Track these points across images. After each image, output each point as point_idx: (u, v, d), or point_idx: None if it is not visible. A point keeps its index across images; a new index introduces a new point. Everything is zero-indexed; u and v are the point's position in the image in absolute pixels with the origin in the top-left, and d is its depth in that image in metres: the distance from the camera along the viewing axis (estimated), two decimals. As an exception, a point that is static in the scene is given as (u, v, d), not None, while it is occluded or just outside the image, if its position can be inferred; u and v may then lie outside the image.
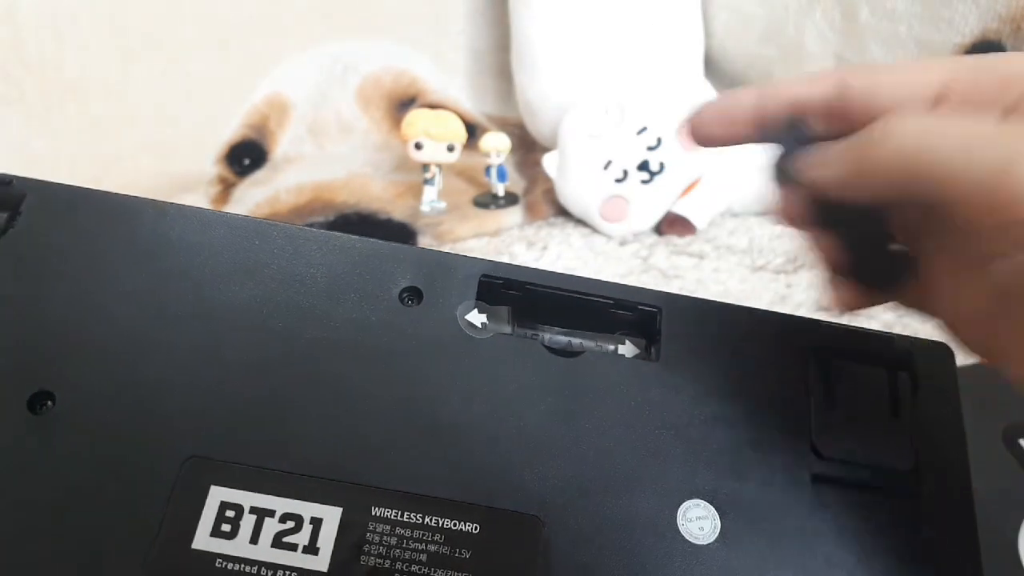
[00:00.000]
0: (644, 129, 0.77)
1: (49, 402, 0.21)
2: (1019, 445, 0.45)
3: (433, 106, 0.91)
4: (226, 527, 0.20)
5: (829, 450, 0.25)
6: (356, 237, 0.25)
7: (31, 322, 0.22)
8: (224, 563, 0.20)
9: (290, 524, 0.20)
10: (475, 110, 1.09)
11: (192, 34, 0.94)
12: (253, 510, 0.20)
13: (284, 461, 0.21)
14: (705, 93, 0.78)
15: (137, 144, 0.93)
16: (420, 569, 0.20)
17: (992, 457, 0.45)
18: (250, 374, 0.22)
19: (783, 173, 0.23)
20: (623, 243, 0.81)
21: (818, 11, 0.82)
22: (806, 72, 0.25)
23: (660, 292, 0.26)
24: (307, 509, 0.20)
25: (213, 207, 0.88)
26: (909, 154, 0.20)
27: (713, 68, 0.96)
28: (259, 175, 0.94)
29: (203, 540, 0.20)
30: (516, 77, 0.97)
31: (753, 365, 0.26)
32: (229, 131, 0.97)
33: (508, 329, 0.24)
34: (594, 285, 0.25)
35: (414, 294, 0.24)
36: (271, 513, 0.20)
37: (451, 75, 1.08)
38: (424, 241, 0.81)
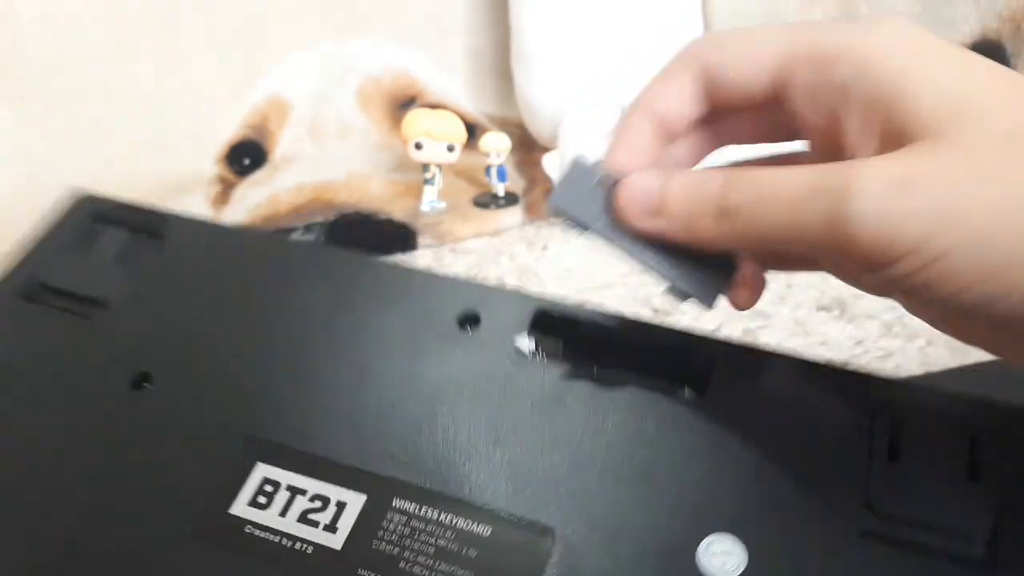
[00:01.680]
0: (644, 129, 0.77)
1: (147, 384, 0.26)
2: (1019, 445, 0.45)
3: (433, 106, 0.91)
4: (262, 499, 0.23)
5: (885, 506, 0.23)
6: (426, 272, 0.28)
7: (145, 319, 0.27)
8: (252, 529, 0.23)
9: (317, 504, 0.23)
10: (475, 110, 1.09)
11: (192, 34, 0.93)
12: (289, 487, 0.23)
13: (328, 449, 0.23)
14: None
15: (137, 144, 0.93)
16: (425, 560, 0.22)
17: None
18: (314, 375, 0.25)
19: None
20: (623, 243, 0.81)
21: (818, 11, 0.82)
22: (667, 64, 0.24)
23: (717, 341, 0.27)
24: (336, 493, 0.23)
25: (213, 207, 0.88)
26: (745, 230, 0.20)
27: (713, 68, 0.96)
28: (259, 175, 0.94)
29: (239, 507, 0.23)
30: (516, 77, 0.97)
31: (810, 415, 0.25)
32: (229, 131, 0.97)
33: (559, 359, 0.26)
34: (646, 329, 0.26)
35: (473, 320, 0.26)
36: (303, 492, 0.23)
37: (451, 75, 1.08)
38: (424, 241, 0.81)
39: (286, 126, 1.01)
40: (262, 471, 0.24)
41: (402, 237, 0.81)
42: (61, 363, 0.27)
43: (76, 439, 0.26)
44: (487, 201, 0.88)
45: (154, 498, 0.24)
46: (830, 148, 0.21)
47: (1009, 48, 0.64)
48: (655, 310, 0.68)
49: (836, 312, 0.67)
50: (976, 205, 0.17)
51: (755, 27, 0.23)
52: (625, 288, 0.72)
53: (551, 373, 0.25)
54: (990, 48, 0.66)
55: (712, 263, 0.25)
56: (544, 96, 0.93)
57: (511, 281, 0.73)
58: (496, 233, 0.84)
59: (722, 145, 0.25)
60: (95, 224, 0.30)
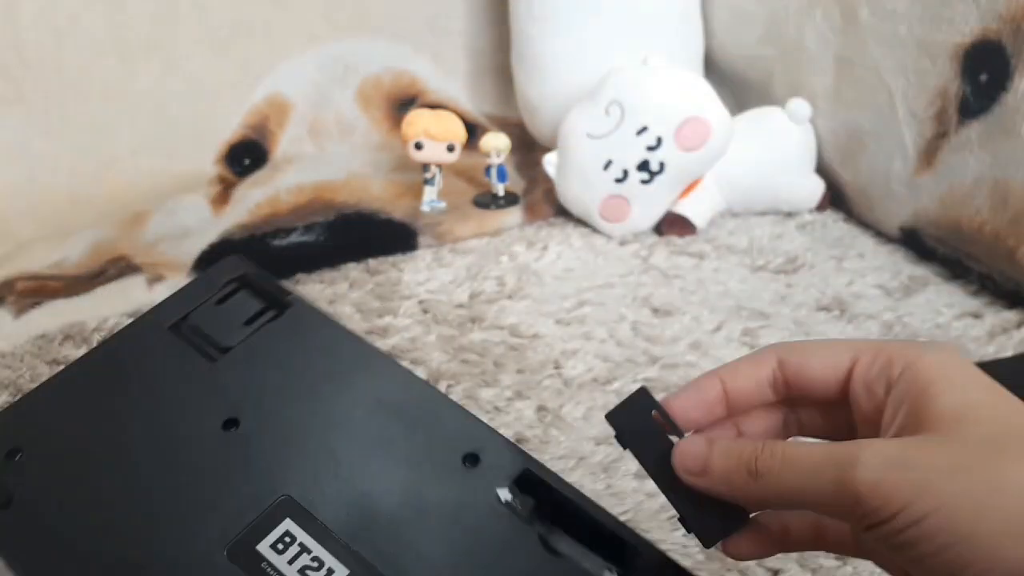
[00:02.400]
0: (644, 129, 0.77)
1: (235, 428, 0.32)
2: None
3: (433, 106, 0.91)
4: (280, 546, 0.30)
5: None
6: (456, 406, 0.33)
7: (250, 375, 0.34)
8: (267, 567, 0.29)
9: (315, 564, 0.29)
10: (475, 110, 1.09)
11: (192, 34, 0.94)
12: (300, 544, 0.30)
13: (336, 524, 0.30)
14: (703, 92, 0.78)
15: (137, 144, 0.93)
16: None
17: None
18: (344, 464, 0.32)
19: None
20: (623, 243, 0.81)
21: (818, 11, 0.82)
22: (750, 354, 0.30)
23: (653, 547, 0.30)
24: (330, 560, 0.29)
25: (213, 207, 0.88)
26: (770, 488, 0.25)
27: (713, 68, 0.96)
28: (259, 175, 0.94)
29: (264, 547, 0.30)
30: (516, 77, 0.97)
31: None
32: (229, 131, 0.97)
33: (525, 514, 0.31)
34: (603, 515, 0.31)
35: (474, 460, 0.31)
36: (309, 551, 0.30)
37: (451, 75, 1.08)
38: (424, 241, 0.81)
39: (286, 126, 1.01)
40: (286, 525, 0.30)
41: (402, 237, 0.81)
42: (182, 390, 0.34)
43: (165, 452, 0.32)
44: (487, 201, 0.88)
45: (207, 518, 0.30)
46: (866, 431, 0.28)
47: (1009, 48, 0.65)
48: (655, 310, 0.68)
49: (836, 312, 0.67)
50: (948, 486, 0.22)
51: (831, 340, 0.32)
52: (625, 288, 0.72)
53: (514, 523, 0.30)
54: (990, 48, 0.66)
55: (726, 512, 0.28)
56: (544, 96, 0.93)
57: (511, 281, 0.73)
58: (496, 233, 0.84)
59: (790, 435, 0.31)
60: (237, 284, 0.37)
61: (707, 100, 0.78)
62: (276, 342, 0.34)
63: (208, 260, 0.75)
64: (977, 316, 0.66)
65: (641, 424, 0.30)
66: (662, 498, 0.47)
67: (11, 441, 0.32)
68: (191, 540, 0.30)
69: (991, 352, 0.61)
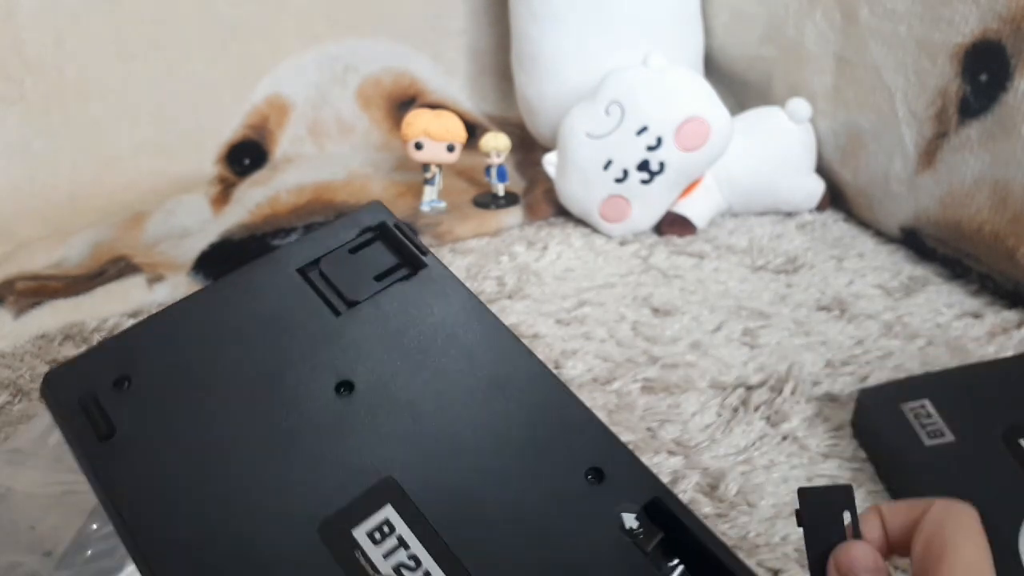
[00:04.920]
0: (644, 129, 0.77)
1: (348, 392, 0.30)
2: (1019, 445, 0.45)
3: (433, 106, 0.91)
4: (377, 535, 0.27)
5: None
6: (589, 414, 0.30)
7: (372, 337, 0.31)
8: (359, 556, 0.27)
9: (412, 563, 0.27)
10: (475, 110, 1.09)
11: (192, 34, 0.94)
12: (399, 537, 0.27)
13: (440, 524, 0.27)
14: (703, 92, 0.78)
15: (137, 144, 0.93)
16: None
17: (992, 457, 0.45)
18: (462, 458, 0.29)
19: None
20: (623, 243, 0.81)
21: (818, 11, 0.82)
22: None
23: None
24: (427, 560, 0.27)
25: (213, 207, 0.88)
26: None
27: (713, 68, 0.96)
28: (259, 175, 0.94)
29: (360, 533, 0.27)
30: (516, 77, 0.97)
31: None
32: (229, 131, 0.97)
33: (649, 548, 0.28)
34: (738, 566, 0.27)
35: (599, 476, 0.28)
36: (407, 546, 0.27)
37: (451, 75, 1.08)
38: (424, 241, 0.81)
39: (286, 126, 1.01)
40: (387, 512, 0.28)
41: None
42: (300, 340, 0.31)
43: (274, 405, 0.30)
44: (487, 201, 0.88)
45: (305, 486, 0.28)
46: None
47: (1009, 48, 0.65)
48: (655, 310, 0.68)
49: (836, 312, 0.67)
50: None
51: (914, 500, 0.30)
52: (625, 288, 0.72)
53: (634, 556, 0.27)
54: (990, 48, 0.66)
55: None
56: (544, 96, 0.93)
57: (511, 281, 0.73)
58: (496, 233, 0.84)
59: None
60: (375, 233, 0.34)
61: (707, 100, 0.78)
62: (405, 304, 0.32)
63: (208, 260, 0.75)
64: (977, 316, 0.66)
65: (828, 514, 0.29)
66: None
67: (121, 368, 0.30)
68: (286, 506, 0.28)
69: (991, 352, 0.61)
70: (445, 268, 0.33)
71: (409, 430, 0.29)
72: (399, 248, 0.33)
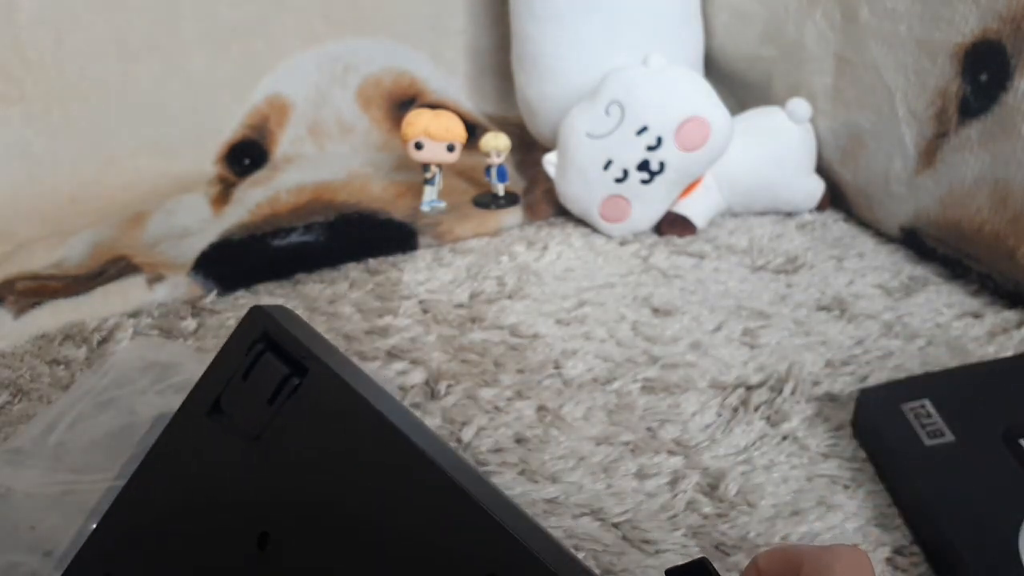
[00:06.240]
0: (644, 129, 0.77)
1: (267, 545, 0.30)
2: (1019, 445, 0.46)
3: (433, 106, 0.91)
4: None
5: None
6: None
7: (267, 472, 0.31)
8: None
9: None
10: (475, 110, 1.09)
11: (192, 34, 0.94)
12: None
13: None
14: (703, 92, 0.78)
15: (137, 144, 0.93)
16: None
17: (992, 457, 0.45)
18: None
19: None
20: (623, 243, 0.81)
21: (818, 11, 0.82)
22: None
23: None
24: None
25: (213, 207, 0.88)
26: None
27: (713, 68, 0.96)
28: (259, 175, 0.94)
29: None
30: (516, 77, 0.97)
31: None
32: (229, 131, 0.97)
33: None
34: None
35: None
36: None
37: (451, 75, 1.08)
38: (424, 241, 0.81)
39: (286, 126, 1.01)
40: None
41: (402, 237, 0.81)
42: (221, 494, 0.31)
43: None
44: (487, 201, 0.88)
45: None
46: None
47: (1009, 48, 0.65)
48: (655, 310, 0.68)
49: (836, 312, 0.67)
50: None
51: (792, 548, 0.28)
52: (625, 288, 0.72)
53: None
54: (990, 48, 0.66)
55: None
56: (544, 96, 0.93)
57: (511, 281, 0.73)
58: (496, 233, 0.84)
59: None
60: (264, 345, 0.32)
61: (707, 100, 0.78)
62: (298, 427, 0.31)
63: (208, 260, 0.75)
64: (977, 316, 0.66)
65: None
66: (662, 498, 0.47)
67: (103, 569, 0.32)
68: None
69: (991, 352, 0.61)
70: (328, 368, 0.32)
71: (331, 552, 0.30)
72: (287, 354, 0.32)
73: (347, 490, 0.30)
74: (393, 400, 0.31)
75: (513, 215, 0.86)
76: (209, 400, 0.32)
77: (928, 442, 0.47)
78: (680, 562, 0.29)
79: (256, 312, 0.32)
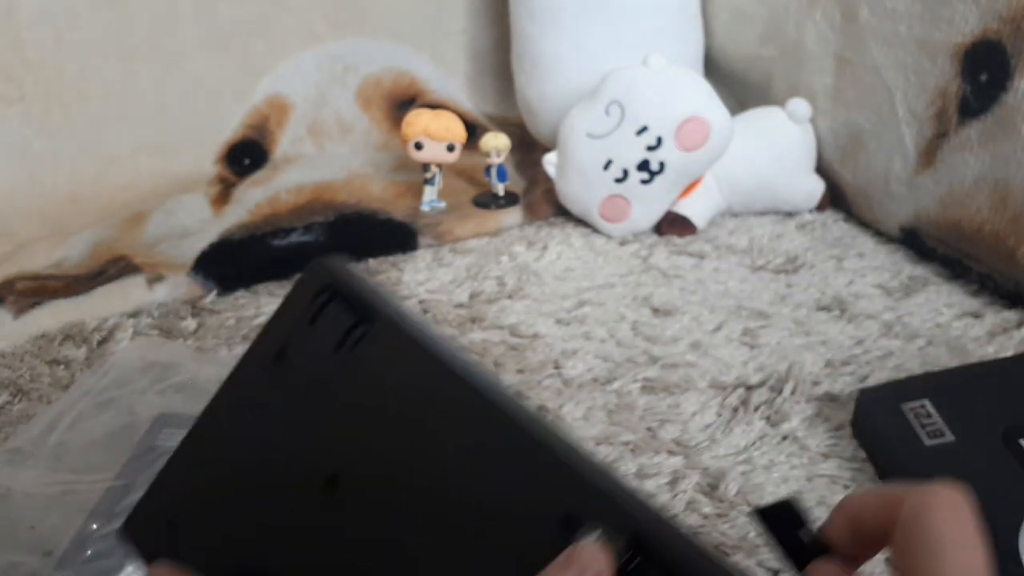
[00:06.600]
0: (644, 129, 0.77)
1: (337, 488, 0.30)
2: (1019, 445, 0.46)
3: (433, 106, 0.91)
4: None
5: None
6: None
7: (334, 417, 0.31)
8: None
9: None
10: (475, 110, 1.09)
11: (192, 34, 0.94)
12: None
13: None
14: (703, 92, 0.78)
15: (137, 144, 0.93)
16: None
17: (992, 457, 0.45)
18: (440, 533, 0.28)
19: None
20: (623, 243, 0.81)
21: (818, 11, 0.82)
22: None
23: None
24: None
25: (213, 207, 0.88)
26: None
27: (713, 68, 0.96)
28: (259, 175, 0.94)
29: None
30: (516, 77, 0.97)
31: None
32: (229, 131, 0.97)
33: None
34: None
35: (572, 524, 0.26)
36: None
37: (451, 75, 1.08)
38: (424, 241, 0.81)
39: (286, 126, 1.01)
40: None
41: (402, 237, 0.81)
42: (288, 441, 0.31)
43: (279, 522, 0.30)
44: (487, 201, 0.88)
45: None
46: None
47: (1009, 48, 0.65)
48: (655, 310, 0.68)
49: (836, 312, 0.67)
50: None
51: (888, 489, 0.26)
52: (625, 288, 0.72)
53: None
54: (990, 48, 0.66)
55: None
56: (544, 96, 0.93)
57: (511, 281, 0.73)
58: (496, 233, 0.84)
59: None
60: (330, 295, 0.33)
61: (707, 100, 0.78)
62: (366, 373, 0.31)
63: (208, 260, 0.75)
64: (977, 316, 0.66)
65: (788, 533, 0.28)
66: (662, 498, 0.47)
67: (168, 513, 0.32)
68: None
69: (991, 352, 0.61)
70: (395, 315, 0.32)
71: (393, 518, 0.29)
72: (353, 303, 0.32)
73: (416, 435, 0.30)
74: (457, 349, 0.31)
75: (513, 215, 0.86)
76: (274, 348, 0.32)
77: (928, 442, 0.47)
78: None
79: (319, 263, 0.33)
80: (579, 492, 0.26)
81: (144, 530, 0.32)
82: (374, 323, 0.31)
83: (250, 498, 0.31)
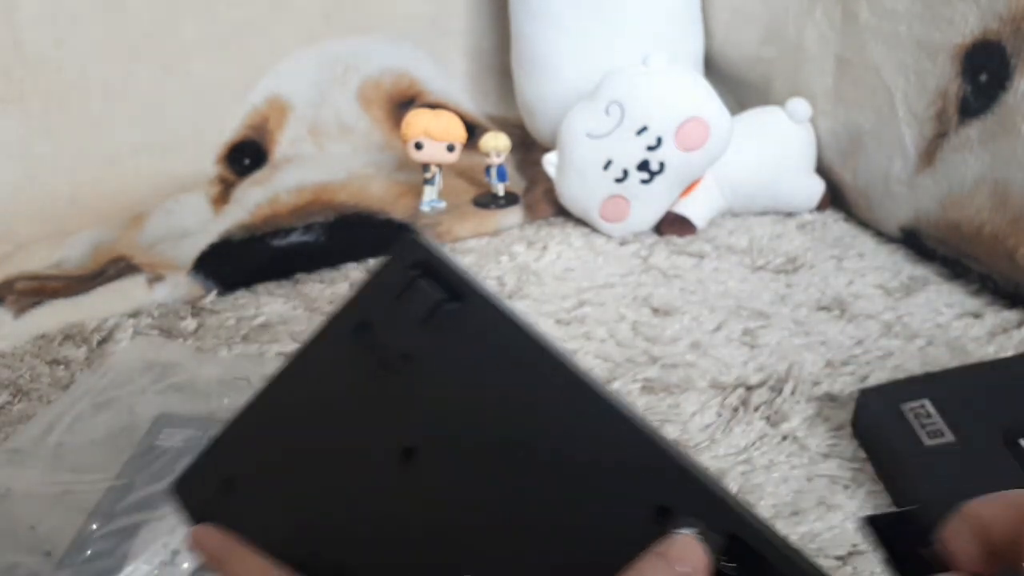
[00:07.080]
0: (644, 129, 0.77)
1: (409, 457, 0.29)
2: (1019, 445, 0.45)
3: (433, 106, 0.91)
4: None
5: None
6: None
7: (416, 390, 0.30)
8: None
9: None
10: (475, 110, 1.09)
11: (192, 34, 0.94)
12: None
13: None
14: (703, 92, 0.78)
15: (137, 144, 0.93)
16: None
17: (992, 457, 0.45)
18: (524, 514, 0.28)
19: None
20: (623, 243, 0.81)
21: (818, 11, 0.82)
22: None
23: None
24: None
25: (213, 207, 0.88)
26: None
27: (713, 68, 0.96)
28: (259, 175, 0.94)
29: None
30: (516, 77, 0.97)
31: None
32: (229, 131, 0.97)
33: None
34: None
35: (666, 516, 0.25)
36: None
37: (451, 75, 1.08)
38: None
39: (286, 126, 1.01)
40: None
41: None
42: (365, 410, 0.31)
43: (350, 488, 0.30)
44: (487, 201, 0.88)
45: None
46: None
47: (1009, 48, 0.65)
48: (655, 310, 0.68)
49: (836, 312, 0.67)
50: None
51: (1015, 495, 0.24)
52: (625, 288, 0.72)
53: None
54: (990, 48, 0.66)
55: None
56: (544, 96, 0.93)
57: (511, 281, 0.73)
58: (496, 233, 0.84)
59: None
60: (420, 272, 0.33)
61: (707, 100, 0.78)
62: (453, 350, 0.31)
63: (208, 260, 0.75)
64: (977, 316, 0.66)
65: (907, 543, 0.26)
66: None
67: (225, 473, 0.32)
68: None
69: (991, 352, 0.61)
70: (486, 295, 0.32)
71: (473, 495, 0.28)
72: (443, 280, 0.32)
73: (503, 414, 0.29)
74: (544, 333, 0.30)
75: (513, 215, 0.86)
76: (357, 318, 0.32)
77: (928, 442, 0.47)
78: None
79: (410, 239, 0.33)
80: (677, 485, 0.25)
81: (196, 489, 0.32)
82: (464, 300, 0.31)
83: (316, 465, 0.30)
